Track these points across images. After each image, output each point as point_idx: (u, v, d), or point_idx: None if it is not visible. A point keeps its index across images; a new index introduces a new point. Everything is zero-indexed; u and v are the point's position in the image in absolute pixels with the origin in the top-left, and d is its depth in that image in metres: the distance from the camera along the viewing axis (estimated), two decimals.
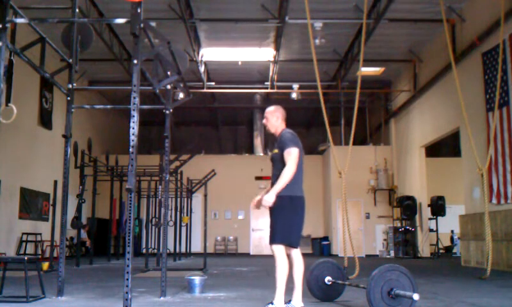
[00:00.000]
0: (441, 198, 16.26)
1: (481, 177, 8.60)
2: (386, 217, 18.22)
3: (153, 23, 12.29)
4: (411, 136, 16.75)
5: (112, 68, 16.17)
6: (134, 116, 4.02)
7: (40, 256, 12.48)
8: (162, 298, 5.22)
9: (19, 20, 4.76)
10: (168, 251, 7.05)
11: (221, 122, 23.24)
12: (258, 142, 20.85)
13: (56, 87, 5.77)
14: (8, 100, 4.76)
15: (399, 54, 15.89)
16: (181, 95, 14.17)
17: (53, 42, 5.45)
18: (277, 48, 14.70)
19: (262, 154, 20.59)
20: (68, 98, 5.63)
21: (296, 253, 4.12)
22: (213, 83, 17.59)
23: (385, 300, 3.79)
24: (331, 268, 4.85)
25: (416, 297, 3.61)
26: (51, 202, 11.97)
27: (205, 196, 10.95)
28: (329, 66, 16.78)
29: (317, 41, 14.29)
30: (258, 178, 19.69)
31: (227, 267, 11.27)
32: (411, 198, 16.28)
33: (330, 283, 4.79)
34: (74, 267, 10.79)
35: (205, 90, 17.16)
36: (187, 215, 14.31)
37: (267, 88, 17.67)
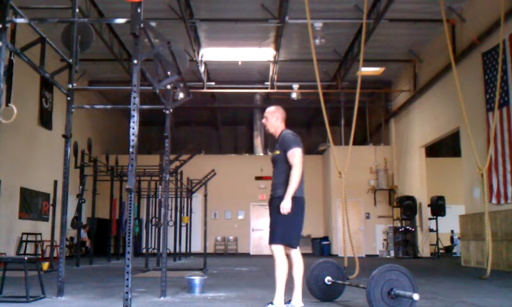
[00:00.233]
0: (441, 198, 16.26)
1: (481, 177, 8.61)
2: (386, 217, 18.22)
3: (153, 23, 12.30)
4: (411, 136, 16.75)
5: (112, 68, 16.18)
6: (134, 116, 4.02)
7: (40, 256, 12.47)
8: (162, 298, 5.22)
9: (19, 20, 4.76)
10: (168, 251, 7.04)
11: (221, 122, 23.24)
12: (258, 142, 20.85)
13: (56, 87, 5.77)
14: (8, 100, 4.76)
15: (399, 54, 15.89)
16: (181, 95, 14.17)
17: (53, 42, 5.45)
18: (277, 48, 14.70)
19: (262, 154, 20.59)
20: (68, 98, 5.63)
21: (296, 253, 4.12)
22: (213, 83, 17.59)
23: (385, 300, 3.79)
24: (331, 268, 4.85)
25: (416, 297, 3.61)
26: (51, 202, 11.96)
27: (205, 196, 10.95)
28: (329, 66, 16.78)
29: (317, 41, 14.29)
30: (258, 178, 19.70)
31: (227, 267, 11.27)
32: (411, 198, 16.28)
33: (330, 283, 4.79)
34: (74, 267, 10.79)
35: (205, 90, 17.16)
36: (187, 215, 14.30)
37: (267, 88, 17.67)
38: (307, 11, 7.76)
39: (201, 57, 15.60)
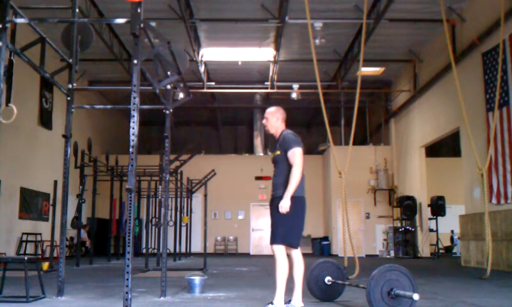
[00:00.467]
0: (441, 198, 16.26)
1: (481, 177, 8.61)
2: (386, 217, 18.22)
3: (153, 23, 12.30)
4: (411, 136, 16.75)
5: (112, 68, 16.18)
6: (134, 116, 4.02)
7: (40, 256, 12.47)
8: (162, 298, 5.22)
9: (19, 20, 4.76)
10: (168, 251, 7.04)
11: (221, 122, 23.24)
12: (258, 142, 20.84)
13: (56, 87, 5.77)
14: (8, 100, 4.76)
15: (399, 54, 15.89)
16: (181, 95, 14.17)
17: (53, 42, 5.45)
18: (277, 48, 14.70)
19: (262, 154, 20.59)
20: (68, 98, 5.63)
21: (296, 253, 4.12)
22: (213, 83, 17.59)
23: (385, 300, 3.79)
24: (331, 268, 4.85)
25: (416, 297, 3.61)
26: (51, 202, 11.96)
27: (205, 196, 10.95)
28: (329, 66, 16.78)
29: (317, 41, 14.29)
30: (258, 178, 19.70)
31: (227, 267, 11.27)
32: (411, 198, 16.28)
33: (330, 283, 4.79)
34: (74, 267, 10.79)
35: (205, 90, 17.16)
36: (187, 215, 14.30)
37: (267, 88, 17.67)
38: (307, 11, 7.76)
39: (201, 57, 15.60)
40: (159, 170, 11.27)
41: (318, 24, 13.13)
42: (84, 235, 15.43)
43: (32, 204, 13.44)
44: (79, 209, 11.77)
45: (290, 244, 4.08)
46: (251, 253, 19.48)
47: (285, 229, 4.06)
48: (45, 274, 8.03)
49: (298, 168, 4.06)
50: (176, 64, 5.41)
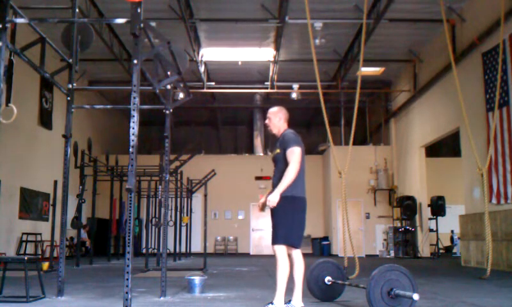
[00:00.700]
0: (441, 198, 16.26)
1: (481, 177, 8.61)
2: (386, 217, 18.22)
3: (153, 23, 12.30)
4: (411, 136, 16.75)
5: (112, 68, 16.18)
6: (134, 116, 4.02)
7: (40, 256, 12.47)
8: (162, 298, 5.22)
9: (19, 20, 4.76)
10: (168, 251, 7.05)
11: (221, 122, 23.24)
12: (258, 142, 20.84)
13: (56, 87, 5.77)
14: (8, 100, 4.76)
15: (399, 54, 15.89)
16: (181, 95, 14.16)
17: (53, 42, 5.45)
18: (277, 48, 14.70)
19: (262, 154, 20.59)
20: (68, 98, 5.63)
21: (297, 253, 4.12)
22: (213, 83, 17.59)
23: (385, 300, 3.79)
24: (331, 268, 4.85)
25: (416, 297, 3.61)
26: (51, 202, 11.97)
27: (205, 196, 10.95)
28: (329, 66, 16.78)
29: (317, 41, 14.29)
30: (258, 178, 19.70)
31: (227, 267, 11.27)
32: (411, 198, 16.28)
33: (330, 283, 4.79)
34: (74, 267, 10.79)
35: (205, 90, 17.16)
36: (187, 215, 14.30)
37: (267, 88, 17.67)
38: (307, 11, 7.76)
39: (201, 57, 15.60)
40: (159, 170, 11.27)
41: (318, 24, 13.12)
42: (84, 235, 15.43)
43: (32, 204, 13.44)
44: (79, 209, 11.77)
45: (292, 244, 4.08)
46: (251, 253, 19.48)
47: (287, 230, 4.06)
48: (45, 274, 8.03)
49: (294, 166, 4.05)
50: (176, 64, 5.41)
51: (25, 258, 5.09)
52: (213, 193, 15.15)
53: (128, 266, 3.77)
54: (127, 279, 3.75)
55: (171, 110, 5.91)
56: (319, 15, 12.63)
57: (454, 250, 18.20)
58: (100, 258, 14.36)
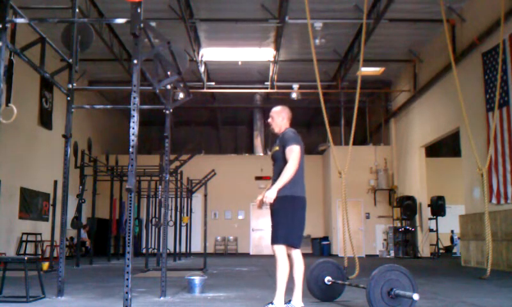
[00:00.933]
0: (441, 198, 16.26)
1: (481, 177, 8.61)
2: (386, 217, 18.22)
3: (153, 23, 12.30)
4: (411, 136, 16.75)
5: (112, 68, 16.18)
6: (134, 116, 4.02)
7: (40, 256, 12.47)
8: (162, 298, 5.22)
9: (19, 20, 4.76)
10: (168, 251, 7.05)
11: (221, 122, 23.24)
12: (258, 142, 20.84)
13: (56, 87, 5.77)
14: (8, 100, 4.76)
15: (399, 54, 15.89)
16: (181, 95, 14.16)
17: (53, 42, 5.45)
18: (277, 48, 14.70)
19: (262, 154, 20.58)
20: (68, 98, 5.63)
21: (297, 253, 4.12)
22: (213, 83, 17.59)
23: (385, 300, 3.79)
24: (331, 268, 4.85)
25: (416, 297, 3.61)
26: (51, 202, 11.97)
27: (205, 196, 10.95)
28: (329, 66, 16.78)
29: (317, 41, 14.29)
30: (258, 178, 19.70)
31: (227, 267, 11.27)
32: (411, 198, 16.28)
33: (330, 283, 4.79)
34: (74, 267, 10.79)
35: (205, 90, 17.16)
36: (187, 215, 14.30)
37: (267, 88, 17.67)
38: (307, 11, 7.76)
39: (201, 57, 15.60)
40: (159, 170, 11.27)
41: (318, 24, 13.12)
42: (84, 235, 15.43)
43: (32, 204, 13.44)
44: (79, 209, 11.77)
45: (292, 244, 4.08)
46: (251, 253, 19.48)
47: (286, 230, 4.05)
48: (45, 274, 8.03)
49: (292, 164, 4.06)
50: (176, 64, 5.41)
51: (25, 258, 5.09)
52: (213, 193, 15.15)
53: (128, 266, 3.77)
54: (127, 279, 3.75)
55: (171, 110, 5.91)
56: (319, 15, 12.63)
57: (454, 250, 18.20)
58: (100, 258, 14.36)
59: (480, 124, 11.04)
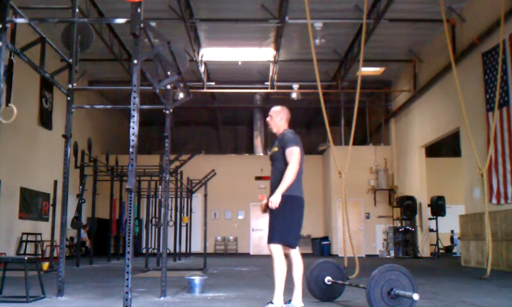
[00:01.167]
0: (441, 198, 16.25)
1: (481, 177, 8.61)
2: (386, 217, 18.22)
3: (153, 23, 12.30)
4: (411, 136, 16.75)
5: (112, 68, 16.18)
6: (134, 116, 4.02)
7: (40, 256, 12.47)
8: (162, 298, 5.22)
9: (19, 20, 4.76)
10: (168, 251, 7.05)
11: (221, 122, 23.24)
12: (258, 142, 20.84)
13: (56, 87, 5.77)
14: (8, 100, 4.76)
15: (399, 54, 15.89)
16: (181, 95, 14.16)
17: (53, 42, 5.45)
18: (277, 48, 14.70)
19: (262, 154, 20.58)
20: (68, 98, 5.63)
21: (295, 253, 4.12)
22: (213, 83, 17.59)
23: (385, 300, 3.79)
24: (331, 268, 4.85)
25: (416, 297, 3.61)
26: (51, 202, 11.97)
27: (205, 196, 10.95)
28: (329, 66, 16.78)
29: (317, 41, 14.29)
30: (258, 178, 19.69)
31: (227, 267, 11.27)
32: (411, 198, 16.28)
33: (330, 283, 4.79)
34: (74, 267, 10.79)
35: (205, 90, 17.15)
36: (187, 215, 14.30)
37: (267, 88, 17.67)
38: (307, 11, 7.76)
39: (201, 57, 15.60)
40: (159, 170, 11.27)
41: (318, 24, 13.12)
42: (84, 235, 15.43)
43: (32, 204, 13.44)
44: (79, 209, 11.77)
45: (288, 244, 4.08)
46: (251, 253, 19.48)
47: (283, 229, 4.07)
48: (45, 274, 8.03)
49: (293, 167, 4.07)
50: (176, 64, 5.41)
51: (25, 258, 5.09)
52: (213, 193, 15.15)
53: (128, 266, 3.77)
54: (127, 279, 3.75)
55: (171, 110, 5.91)
56: (319, 15, 12.63)
57: (454, 250, 18.20)
58: (100, 258, 14.36)
59: (480, 124, 11.04)
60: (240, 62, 16.07)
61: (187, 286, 5.78)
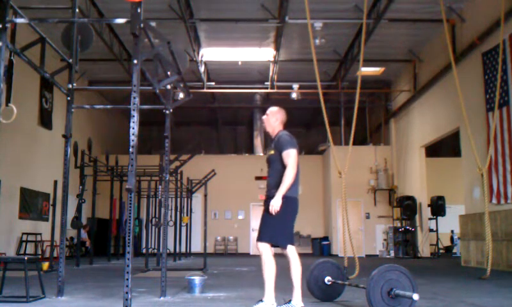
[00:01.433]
0: (441, 198, 16.26)
1: (481, 177, 8.61)
2: (386, 217, 18.22)
3: (153, 23, 12.30)
4: (411, 136, 16.75)
5: (112, 68, 16.17)
6: (134, 116, 4.02)
7: (40, 256, 12.48)
8: (162, 298, 5.22)
9: (19, 20, 4.76)
10: (168, 251, 7.05)
11: (221, 122, 23.24)
12: (258, 142, 20.85)
13: (56, 87, 5.77)
14: (8, 100, 4.76)
15: (399, 54, 15.90)
16: (181, 95, 14.14)
17: (53, 42, 5.45)
18: (277, 48, 14.70)
19: (262, 154, 20.58)
20: (68, 98, 5.63)
21: (292, 252, 4.12)
22: (213, 83, 17.59)
23: (385, 300, 3.79)
24: (331, 268, 4.85)
25: (416, 297, 3.61)
26: (51, 202, 11.97)
27: (205, 196, 10.95)
28: (329, 66, 16.78)
29: (317, 41, 14.28)
30: (258, 178, 19.69)
31: (227, 267, 11.27)
32: (411, 198, 16.28)
33: (330, 283, 4.79)
34: (74, 267, 10.79)
35: (205, 90, 17.16)
36: (187, 215, 14.30)
37: (267, 88, 17.67)
38: (307, 11, 7.76)
39: (201, 57, 15.60)
40: (159, 170, 11.26)
41: (318, 24, 13.12)
42: (84, 235, 15.43)
43: (32, 204, 13.44)
44: (79, 209, 11.77)
45: (276, 243, 4.11)
46: (251, 253, 19.48)
47: (274, 229, 4.10)
48: (45, 274, 8.03)
49: (292, 169, 4.08)
50: (176, 64, 5.41)
51: (25, 258, 5.09)
52: (213, 193, 15.15)
53: (128, 266, 3.77)
54: (127, 279, 3.75)
55: (171, 110, 5.91)
56: (319, 15, 12.63)
57: (454, 250, 18.21)
58: (100, 258, 14.36)
59: (480, 124, 11.04)
60: (240, 63, 16.07)
61: (187, 286, 5.78)
